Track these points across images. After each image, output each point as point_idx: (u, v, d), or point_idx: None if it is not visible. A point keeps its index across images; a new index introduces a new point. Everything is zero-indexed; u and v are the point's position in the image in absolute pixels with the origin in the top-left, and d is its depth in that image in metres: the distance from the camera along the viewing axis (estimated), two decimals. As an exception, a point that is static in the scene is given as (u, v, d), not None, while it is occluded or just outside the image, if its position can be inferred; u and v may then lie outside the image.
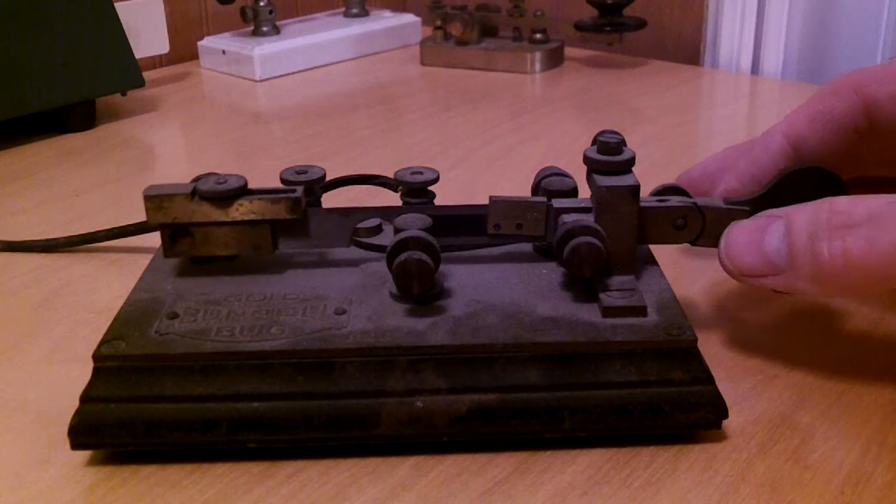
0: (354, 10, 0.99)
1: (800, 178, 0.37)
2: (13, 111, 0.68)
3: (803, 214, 0.34)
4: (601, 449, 0.35)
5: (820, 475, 0.33)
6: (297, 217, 0.39)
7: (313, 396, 0.34)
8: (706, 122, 0.75)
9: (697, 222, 0.38)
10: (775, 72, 0.89)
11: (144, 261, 0.44)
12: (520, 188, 0.59)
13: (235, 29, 0.95)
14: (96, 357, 0.34)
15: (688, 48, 0.95)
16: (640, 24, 0.86)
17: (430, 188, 0.42)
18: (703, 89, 0.85)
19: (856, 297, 0.44)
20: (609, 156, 0.37)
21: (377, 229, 0.41)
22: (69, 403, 0.35)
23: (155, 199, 0.38)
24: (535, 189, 0.42)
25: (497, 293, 0.38)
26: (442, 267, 0.38)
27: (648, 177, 0.60)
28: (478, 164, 0.65)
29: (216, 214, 0.38)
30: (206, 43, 0.92)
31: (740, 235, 0.36)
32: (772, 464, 0.34)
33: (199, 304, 0.37)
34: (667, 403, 0.34)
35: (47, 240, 0.52)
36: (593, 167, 0.38)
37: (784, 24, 0.87)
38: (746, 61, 0.90)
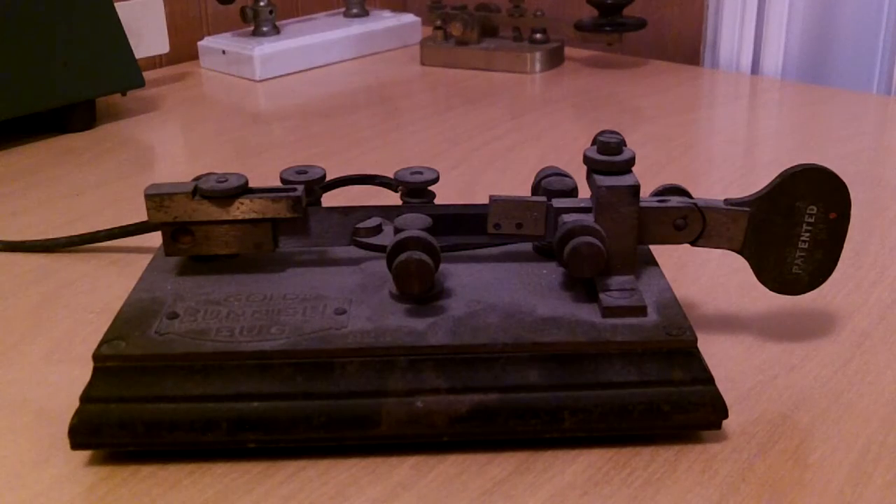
0: (354, 11, 0.99)
1: (800, 179, 0.37)
2: (14, 111, 0.68)
3: None
4: (601, 449, 0.35)
5: (820, 475, 0.33)
6: (298, 216, 0.39)
7: (313, 396, 0.34)
8: (706, 122, 0.75)
9: (698, 223, 0.38)
10: (775, 71, 0.89)
11: (145, 261, 0.44)
12: (520, 188, 0.59)
13: (235, 29, 0.95)
14: (96, 357, 0.34)
15: (688, 48, 0.95)
16: (640, 24, 0.86)
17: (430, 188, 0.42)
18: (703, 89, 0.85)
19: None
20: (609, 156, 0.37)
21: (377, 229, 0.41)
22: (69, 403, 0.35)
23: (156, 198, 0.38)
24: (535, 189, 0.42)
25: (497, 293, 0.38)
26: (442, 267, 0.38)
27: (648, 177, 0.60)
28: (478, 163, 0.65)
29: (217, 213, 0.38)
30: (206, 43, 0.92)
31: None
32: (772, 464, 0.34)
33: (199, 304, 0.37)
34: (667, 403, 0.34)
35: (47, 240, 0.52)
36: (593, 167, 0.38)
37: (784, 24, 0.87)
38: (746, 61, 0.90)
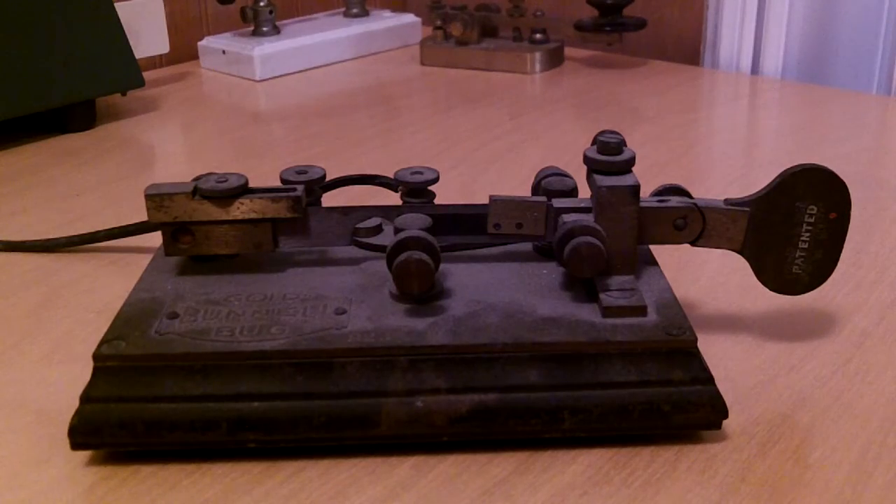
0: (354, 10, 0.99)
1: (800, 179, 0.37)
2: (13, 111, 0.68)
3: None
4: (601, 449, 0.35)
5: (820, 475, 0.33)
6: (298, 216, 0.39)
7: (313, 396, 0.34)
8: (706, 122, 0.75)
9: (698, 223, 0.38)
10: (775, 72, 0.89)
11: (144, 261, 0.44)
12: (520, 188, 0.59)
13: (235, 29, 0.95)
14: (96, 357, 0.34)
15: (688, 48, 0.95)
16: (640, 24, 0.86)
17: (430, 188, 0.42)
18: (703, 89, 0.85)
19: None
20: (609, 156, 0.37)
21: (377, 229, 0.41)
22: (69, 403, 0.35)
23: (156, 198, 0.38)
24: (536, 189, 0.42)
25: (497, 293, 0.38)
26: (442, 267, 0.38)
27: (648, 177, 0.60)
28: (478, 163, 0.65)
29: (217, 213, 0.38)
30: (206, 43, 0.92)
31: None
32: (772, 464, 0.34)
33: (199, 304, 0.37)
34: (667, 403, 0.34)
35: (47, 240, 0.52)
36: (593, 167, 0.38)
37: (784, 24, 0.87)
38: (746, 61, 0.90)
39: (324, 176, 0.41)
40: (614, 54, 0.94)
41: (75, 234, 0.51)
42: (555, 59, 0.90)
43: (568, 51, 0.93)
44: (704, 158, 0.67)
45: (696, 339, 0.35)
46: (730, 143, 0.69)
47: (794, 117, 0.75)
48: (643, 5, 0.94)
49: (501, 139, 0.70)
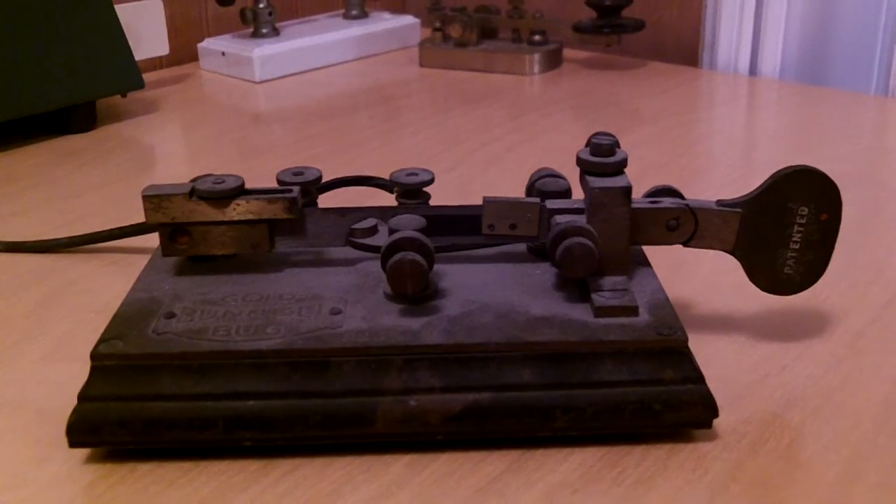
0: (354, 12, 0.99)
1: (791, 180, 0.38)
2: (14, 112, 0.69)
3: None
4: (593, 447, 0.35)
5: (811, 474, 0.34)
6: (294, 217, 0.39)
7: (309, 395, 0.34)
8: (705, 122, 0.75)
9: (690, 224, 0.38)
10: (773, 73, 0.89)
11: (144, 261, 0.44)
12: (518, 189, 0.59)
13: (235, 30, 0.95)
14: (94, 356, 0.35)
15: (686, 49, 0.95)
16: (639, 26, 0.87)
17: (426, 189, 0.42)
18: (702, 90, 0.85)
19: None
20: (601, 157, 0.38)
21: (373, 230, 0.41)
22: (69, 403, 0.35)
23: (154, 199, 0.39)
24: (530, 190, 0.42)
25: (491, 293, 0.38)
26: (437, 267, 0.38)
27: (647, 177, 0.60)
28: (476, 164, 0.65)
29: (214, 214, 0.39)
30: (206, 44, 0.92)
31: None
32: (763, 463, 0.34)
33: (196, 304, 0.38)
34: (658, 403, 0.35)
35: (48, 240, 0.52)
36: (586, 169, 0.38)
37: (782, 25, 0.88)
38: (745, 62, 0.90)
39: (320, 177, 0.42)
40: (613, 56, 0.94)
41: (76, 234, 0.52)
42: (553, 61, 0.91)
43: (567, 52, 0.93)
44: (703, 159, 0.67)
45: (686, 339, 0.35)
46: (728, 144, 0.70)
47: (792, 118, 0.76)
48: (641, 7, 0.94)
49: (500, 140, 0.70)
